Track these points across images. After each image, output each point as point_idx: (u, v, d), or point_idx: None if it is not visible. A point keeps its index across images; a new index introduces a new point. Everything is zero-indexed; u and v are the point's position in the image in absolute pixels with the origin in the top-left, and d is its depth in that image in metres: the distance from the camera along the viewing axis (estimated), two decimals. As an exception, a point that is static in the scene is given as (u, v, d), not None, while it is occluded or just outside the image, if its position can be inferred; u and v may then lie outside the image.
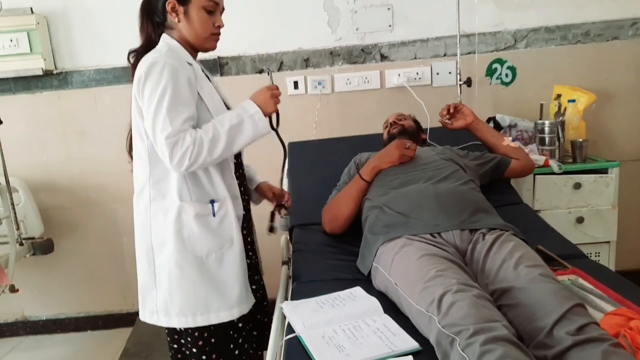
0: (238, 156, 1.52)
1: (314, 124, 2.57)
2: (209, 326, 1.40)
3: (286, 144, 1.55)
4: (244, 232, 1.49)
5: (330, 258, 1.68)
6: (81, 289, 2.78)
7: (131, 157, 1.45)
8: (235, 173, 1.46)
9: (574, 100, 2.32)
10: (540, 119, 2.36)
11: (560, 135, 2.27)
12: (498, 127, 2.42)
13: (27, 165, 2.62)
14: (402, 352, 1.08)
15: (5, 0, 2.42)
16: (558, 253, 1.50)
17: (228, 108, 1.47)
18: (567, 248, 1.61)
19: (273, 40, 2.52)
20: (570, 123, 2.32)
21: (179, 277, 1.37)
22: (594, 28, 2.49)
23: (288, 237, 2.00)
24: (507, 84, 2.56)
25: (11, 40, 2.42)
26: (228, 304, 1.40)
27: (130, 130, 1.42)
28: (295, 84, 2.55)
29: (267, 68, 2.34)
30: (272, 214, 1.65)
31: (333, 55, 2.54)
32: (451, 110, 2.00)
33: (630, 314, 1.11)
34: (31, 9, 2.41)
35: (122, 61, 1.48)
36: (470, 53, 2.52)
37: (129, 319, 2.70)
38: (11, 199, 2.30)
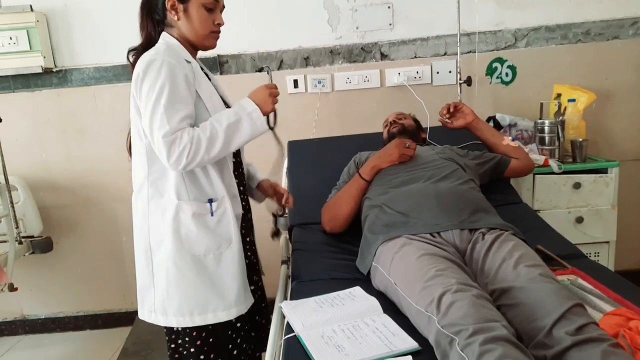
0: (237, 155, 1.51)
1: (314, 122, 2.57)
2: (207, 326, 1.40)
3: (285, 143, 1.55)
4: (243, 231, 1.48)
5: (330, 257, 1.67)
6: (80, 287, 2.78)
7: (131, 155, 1.44)
8: (234, 172, 1.45)
9: (574, 100, 2.32)
10: (540, 119, 2.36)
11: (560, 134, 2.27)
12: (498, 126, 2.42)
13: (27, 164, 2.61)
14: (402, 352, 1.07)
15: (4, -2, 2.42)
16: (557, 253, 1.50)
17: (228, 107, 1.46)
18: (566, 248, 1.60)
19: (273, 39, 2.52)
20: (570, 122, 2.32)
21: (177, 276, 1.36)
22: (595, 27, 2.49)
23: (287, 237, 1.99)
24: (507, 83, 2.56)
25: (10, 38, 2.41)
26: (226, 304, 1.39)
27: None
28: (295, 83, 2.55)
29: (267, 67, 2.33)
30: (275, 217, 1.64)
31: (333, 54, 2.54)
32: (451, 110, 1.99)
33: (630, 314, 1.10)
34: (31, 6, 2.40)
35: (122, 59, 1.48)
36: (470, 52, 2.51)
37: (128, 317, 2.70)
38: (10, 197, 2.30)
